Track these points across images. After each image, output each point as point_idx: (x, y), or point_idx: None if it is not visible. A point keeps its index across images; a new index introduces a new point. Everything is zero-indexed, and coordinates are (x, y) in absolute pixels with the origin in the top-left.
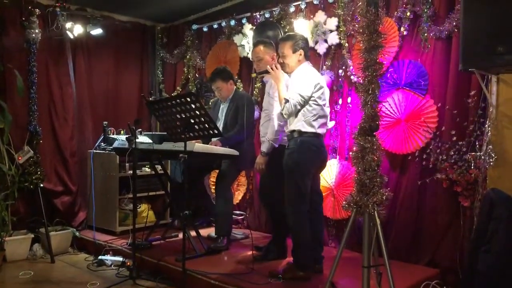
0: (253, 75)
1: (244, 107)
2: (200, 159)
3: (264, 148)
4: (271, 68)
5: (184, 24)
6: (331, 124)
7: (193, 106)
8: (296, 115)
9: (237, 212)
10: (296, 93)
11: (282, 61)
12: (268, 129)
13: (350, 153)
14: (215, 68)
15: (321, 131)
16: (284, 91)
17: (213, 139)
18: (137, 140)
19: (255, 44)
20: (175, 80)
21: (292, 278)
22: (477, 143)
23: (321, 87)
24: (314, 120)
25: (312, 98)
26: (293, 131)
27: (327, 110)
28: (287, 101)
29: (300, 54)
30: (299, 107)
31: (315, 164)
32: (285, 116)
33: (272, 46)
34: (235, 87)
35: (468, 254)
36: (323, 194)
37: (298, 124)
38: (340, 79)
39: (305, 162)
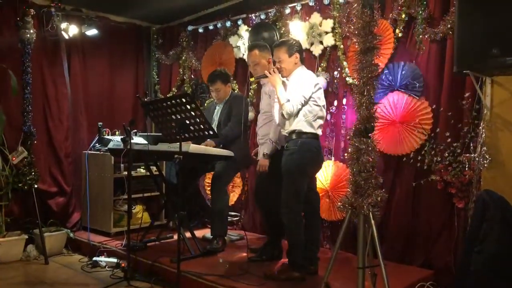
0: (252, 79)
1: (238, 106)
2: (195, 160)
3: (267, 150)
4: (269, 73)
5: (180, 25)
6: None
7: (188, 107)
8: (296, 116)
9: (232, 213)
10: (297, 93)
11: (279, 66)
12: (271, 130)
13: (345, 154)
14: (214, 69)
15: (319, 132)
16: (284, 93)
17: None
18: (132, 141)
19: (250, 48)
20: (170, 81)
21: (287, 278)
22: (471, 145)
23: (320, 88)
24: (314, 121)
25: (312, 99)
26: (293, 131)
27: (324, 111)
28: (287, 101)
29: (296, 57)
30: (300, 107)
31: (314, 166)
32: (286, 116)
33: (267, 49)
34: (231, 89)
35: (461, 255)
36: None
37: (299, 124)
38: (335, 81)
39: (305, 163)
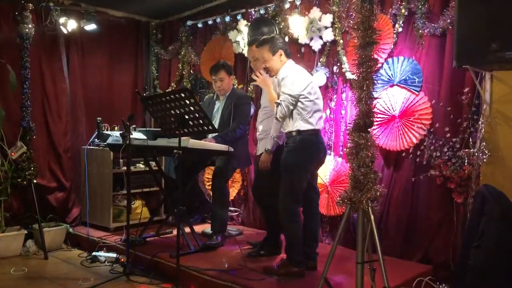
0: (242, 86)
1: (241, 106)
2: (194, 155)
3: (269, 145)
4: (256, 76)
5: (179, 20)
6: None
7: (187, 102)
8: (291, 116)
9: (232, 208)
10: (285, 94)
11: (265, 66)
12: (272, 126)
13: (345, 149)
14: (217, 61)
15: (319, 126)
16: (275, 95)
17: (208, 136)
18: (131, 136)
19: (249, 44)
20: (169, 76)
21: (286, 274)
22: (470, 140)
23: (310, 82)
24: (310, 117)
25: (301, 96)
26: (291, 131)
27: (320, 103)
28: (278, 104)
29: (281, 54)
30: (291, 107)
31: (314, 162)
32: (279, 119)
33: None
34: (233, 83)
35: (460, 249)
36: None
37: (296, 124)
38: (334, 76)
39: (305, 160)
